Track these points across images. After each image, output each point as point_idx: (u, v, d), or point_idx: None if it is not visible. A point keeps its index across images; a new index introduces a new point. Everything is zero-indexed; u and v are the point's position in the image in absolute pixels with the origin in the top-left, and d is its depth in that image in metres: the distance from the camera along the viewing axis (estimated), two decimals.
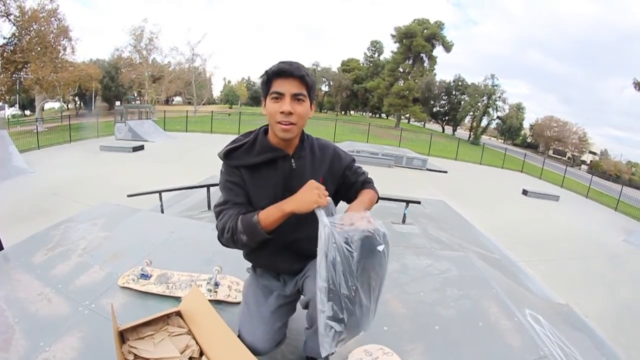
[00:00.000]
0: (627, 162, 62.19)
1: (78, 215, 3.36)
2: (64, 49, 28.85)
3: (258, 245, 1.32)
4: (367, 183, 1.56)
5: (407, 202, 4.82)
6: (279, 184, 1.38)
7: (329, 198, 1.23)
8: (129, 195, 5.14)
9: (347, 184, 1.53)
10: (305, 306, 1.46)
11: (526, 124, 64.16)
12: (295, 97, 1.30)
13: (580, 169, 50.13)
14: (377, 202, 1.53)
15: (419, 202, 5.08)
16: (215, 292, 2.01)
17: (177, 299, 1.98)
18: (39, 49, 26.65)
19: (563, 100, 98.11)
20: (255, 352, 1.41)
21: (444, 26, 51.18)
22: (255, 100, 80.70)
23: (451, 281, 2.49)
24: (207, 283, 2.05)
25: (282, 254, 1.48)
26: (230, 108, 63.00)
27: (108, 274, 2.27)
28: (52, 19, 27.40)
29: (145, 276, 2.11)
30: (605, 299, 6.15)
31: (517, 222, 10.14)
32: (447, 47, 51.17)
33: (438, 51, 51.63)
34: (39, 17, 26.44)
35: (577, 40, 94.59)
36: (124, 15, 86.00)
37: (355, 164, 1.58)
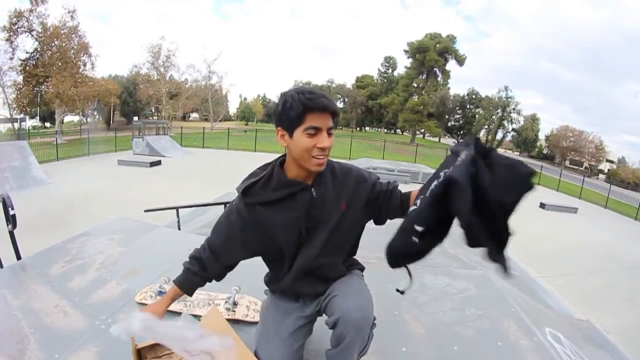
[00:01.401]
0: None
1: (96, 229, 3.42)
2: (84, 65, 30.10)
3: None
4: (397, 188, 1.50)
5: None
6: (301, 216, 1.36)
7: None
8: (146, 211, 5.19)
9: (383, 200, 1.45)
10: (333, 326, 1.37)
11: (541, 135, 63.51)
12: (329, 131, 1.27)
13: (598, 179, 49.16)
14: None
15: None
16: (234, 311, 2.01)
17: (195, 317, 1.97)
18: (59, 64, 27.73)
19: (577, 109, 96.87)
20: None
21: (456, 40, 51.73)
22: (270, 116, 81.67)
23: (470, 300, 2.45)
24: (226, 302, 2.05)
25: (304, 278, 1.46)
26: (247, 125, 63.83)
27: (125, 289, 2.28)
28: (73, 35, 28.64)
29: (162, 293, 2.10)
30: (626, 313, 5.99)
31: (535, 236, 9.92)
32: (460, 61, 51.40)
33: (451, 65, 52.09)
34: (60, 34, 27.62)
35: (587, 47, 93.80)
36: (142, 33, 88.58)
37: (380, 181, 1.51)
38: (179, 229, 4.68)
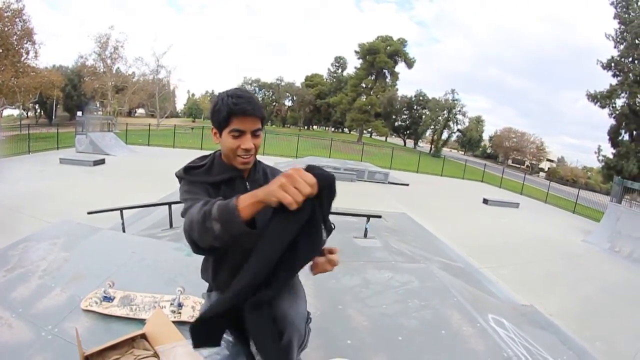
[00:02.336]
0: (582, 167, 65.62)
1: (37, 234, 3.27)
2: (27, 53, 27.73)
3: (230, 239, 1.08)
4: None
5: (369, 216, 4.91)
6: None
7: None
8: (89, 213, 5.00)
9: None
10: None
11: (486, 136, 66.77)
12: (254, 133, 1.34)
13: (538, 176, 52.27)
14: None
15: (379, 217, 5.18)
16: (179, 313, 2.02)
17: (142, 321, 1.96)
18: (0, 50, 25.39)
19: (521, 112, 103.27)
20: None
21: (406, 43, 52.94)
22: None
23: (412, 292, 2.57)
24: (171, 304, 2.06)
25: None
26: (194, 122, 62.18)
27: (70, 296, 2.22)
28: (17, 19, 26.18)
29: (108, 298, 2.08)
30: (567, 296, 6.39)
31: (478, 230, 10.45)
32: (409, 64, 52.84)
33: (400, 67, 53.35)
34: (2, 16, 25.13)
35: (533, 56, 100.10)
36: (90, 21, 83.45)
37: None
38: (124, 231, 4.55)
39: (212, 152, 1.51)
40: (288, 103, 66.18)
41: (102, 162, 15.05)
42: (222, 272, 1.45)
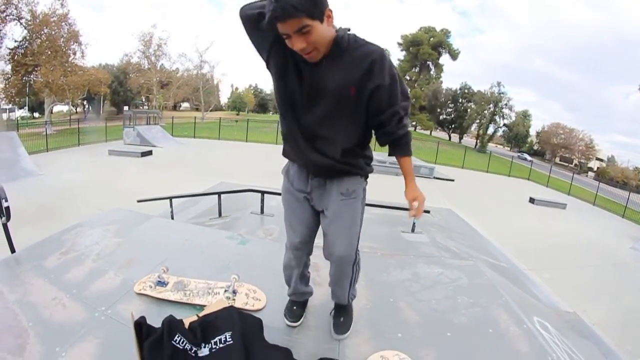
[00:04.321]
0: (634, 168, 61.66)
1: (90, 220, 3.39)
2: (74, 53, 29.36)
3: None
4: (402, 139, 1.61)
5: None
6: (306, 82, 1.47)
7: None
8: (139, 201, 5.18)
9: (376, 113, 1.52)
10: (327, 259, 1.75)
11: (532, 131, 63.89)
12: (300, 32, 1.29)
13: (587, 176, 49.84)
14: None
15: (428, 212, 5.08)
16: (234, 299, 2.03)
17: (195, 306, 1.99)
18: (49, 52, 27.04)
19: (569, 107, 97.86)
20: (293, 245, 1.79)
21: (450, 34, 51.69)
22: (262, 107, 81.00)
23: (461, 289, 2.50)
24: (225, 291, 2.06)
25: (306, 144, 1.57)
26: (238, 115, 63.33)
27: (123, 280, 2.27)
28: (63, 23, 27.85)
29: (162, 283, 2.12)
30: (611, 306, 6.14)
31: (524, 230, 10.09)
32: (454, 55, 51.48)
33: (444, 59, 52.10)
34: (49, 21, 26.89)
35: (581, 47, 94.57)
36: (133, 21, 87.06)
37: (399, 99, 1.51)
38: (173, 218, 4.67)
39: None
40: None
41: (149, 153, 15.66)
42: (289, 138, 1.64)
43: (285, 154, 1.73)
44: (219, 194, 4.98)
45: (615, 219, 17.02)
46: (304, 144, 1.56)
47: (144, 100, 49.81)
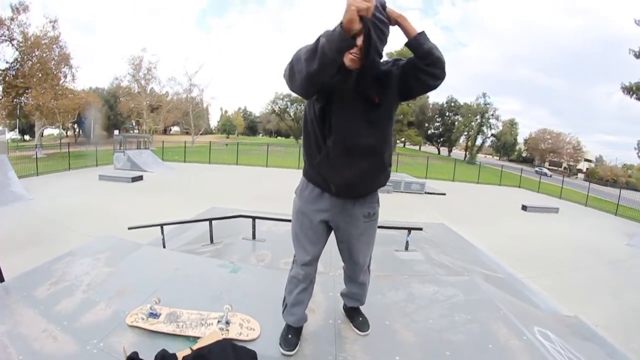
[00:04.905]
0: (622, 165, 62.60)
1: (80, 249, 3.35)
2: (65, 76, 29.27)
3: (337, 54, 1.31)
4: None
5: (409, 229, 4.84)
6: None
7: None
8: (129, 228, 5.12)
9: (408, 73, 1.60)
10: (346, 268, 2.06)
11: (520, 139, 64.76)
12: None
13: (577, 178, 50.25)
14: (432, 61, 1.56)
15: (420, 229, 5.09)
16: (227, 330, 2.00)
17: (189, 338, 1.96)
18: (40, 75, 26.95)
19: (554, 112, 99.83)
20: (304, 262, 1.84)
21: None
22: (251, 129, 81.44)
23: (458, 306, 2.50)
24: (218, 322, 2.04)
25: (342, 158, 1.63)
26: (228, 138, 63.55)
27: (115, 311, 2.23)
28: (54, 46, 27.80)
29: (154, 315, 2.09)
30: (612, 305, 6.11)
31: (518, 238, 10.11)
32: None
33: None
34: (41, 44, 26.81)
35: (562, 52, 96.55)
36: (123, 44, 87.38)
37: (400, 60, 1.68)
38: (164, 246, 4.62)
39: None
40: None
41: (140, 178, 15.54)
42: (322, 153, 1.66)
43: (311, 175, 1.81)
44: (210, 220, 4.94)
45: (608, 218, 17.19)
46: (344, 159, 1.63)
47: (134, 124, 49.79)
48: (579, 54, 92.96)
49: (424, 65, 1.53)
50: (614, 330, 4.81)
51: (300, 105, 66.52)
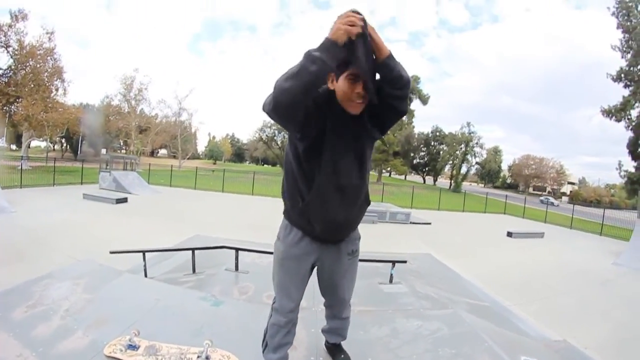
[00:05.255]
0: (605, 185, 64.07)
1: (60, 272, 3.30)
2: (56, 89, 29.17)
3: (332, 61, 1.31)
4: None
5: (394, 262, 4.84)
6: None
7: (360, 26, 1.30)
8: (111, 252, 5.02)
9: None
10: (329, 304, 2.06)
11: (504, 166, 66.22)
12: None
13: (561, 201, 51.01)
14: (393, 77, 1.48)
15: (404, 262, 5.08)
16: None
17: None
18: (32, 85, 26.82)
19: (537, 137, 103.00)
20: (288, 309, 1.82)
21: (420, 80, 53.84)
22: (238, 156, 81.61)
23: (442, 340, 2.48)
24: (198, 357, 2.00)
25: (326, 201, 1.60)
26: (215, 164, 63.61)
27: (93, 340, 2.17)
28: (49, 57, 27.76)
29: (133, 347, 2.04)
30: (602, 325, 6.07)
31: (504, 265, 10.13)
32: (424, 100, 53.48)
33: (415, 104, 54.03)
34: (36, 54, 26.78)
35: (543, 79, 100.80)
36: (117, 62, 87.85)
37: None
38: (146, 274, 4.53)
39: None
40: None
41: (124, 200, 15.28)
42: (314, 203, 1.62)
43: (293, 217, 1.75)
44: (193, 250, 4.88)
45: (594, 238, 17.40)
46: (337, 200, 1.61)
47: (121, 144, 49.46)
48: (559, 80, 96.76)
49: (394, 89, 1.48)
50: (606, 351, 4.83)
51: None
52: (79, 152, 43.61)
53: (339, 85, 1.47)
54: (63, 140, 47.63)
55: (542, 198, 48.25)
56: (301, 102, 1.34)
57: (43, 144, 42.74)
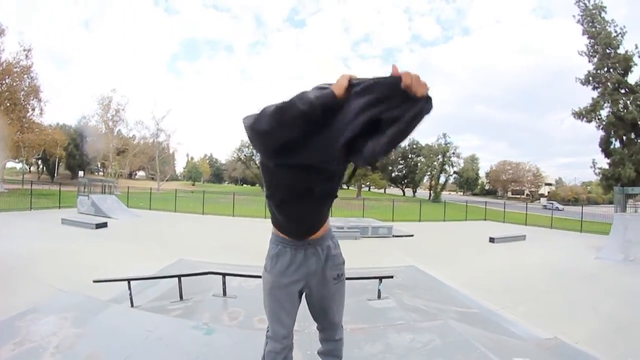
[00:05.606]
0: (581, 183, 65.83)
1: (46, 305, 3.23)
2: (33, 109, 28.39)
3: (320, 106, 1.25)
4: None
5: (380, 278, 4.88)
6: None
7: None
8: (95, 281, 4.91)
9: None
10: (322, 328, 2.07)
11: (482, 173, 67.66)
12: None
13: (540, 203, 51.87)
14: None
15: (391, 277, 5.12)
16: None
17: None
18: (8, 104, 25.98)
19: (513, 143, 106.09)
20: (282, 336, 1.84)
21: None
22: (217, 177, 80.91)
23: (435, 351, 2.53)
24: None
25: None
26: (193, 185, 62.90)
27: None
28: (25, 75, 27.03)
29: None
30: (590, 319, 6.16)
31: (489, 270, 10.24)
32: None
33: None
34: (12, 72, 26.01)
35: (514, 88, 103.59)
36: (94, 82, 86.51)
37: None
38: (132, 303, 4.44)
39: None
40: None
41: (104, 225, 14.87)
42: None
43: (279, 224, 1.82)
44: (179, 276, 4.81)
45: (574, 236, 17.92)
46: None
47: (99, 166, 48.46)
48: (530, 87, 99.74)
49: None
50: (596, 343, 4.89)
51: None
52: (55, 175, 42.49)
53: None
54: (39, 162, 46.39)
55: (545, 203, 46.69)
56: (278, 133, 1.29)
57: (18, 166, 41.52)
